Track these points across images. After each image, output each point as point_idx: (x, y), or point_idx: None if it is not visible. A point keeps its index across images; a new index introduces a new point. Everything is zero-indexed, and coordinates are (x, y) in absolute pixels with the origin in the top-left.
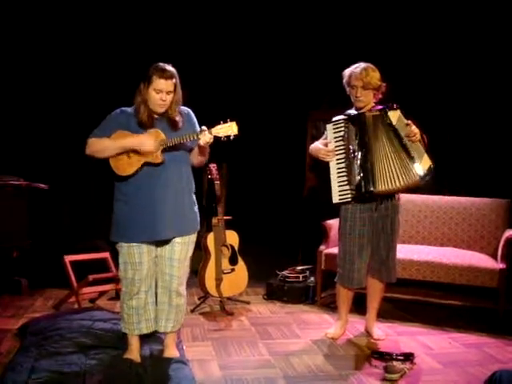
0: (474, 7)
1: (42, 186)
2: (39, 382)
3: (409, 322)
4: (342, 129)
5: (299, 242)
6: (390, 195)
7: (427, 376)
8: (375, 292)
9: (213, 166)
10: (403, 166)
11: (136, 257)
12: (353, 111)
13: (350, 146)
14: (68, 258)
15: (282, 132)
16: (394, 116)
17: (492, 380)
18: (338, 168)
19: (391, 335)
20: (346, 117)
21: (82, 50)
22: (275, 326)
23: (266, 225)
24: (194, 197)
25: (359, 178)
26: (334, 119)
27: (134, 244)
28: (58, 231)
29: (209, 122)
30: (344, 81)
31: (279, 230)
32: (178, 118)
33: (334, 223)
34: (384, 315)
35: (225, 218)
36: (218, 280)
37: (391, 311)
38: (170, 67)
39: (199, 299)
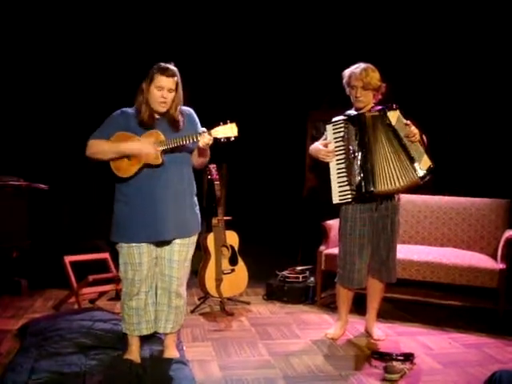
0: (474, 7)
1: (42, 186)
2: (39, 383)
3: (409, 322)
4: (342, 129)
5: (299, 243)
6: (390, 195)
7: (427, 376)
8: (375, 292)
9: (212, 167)
10: (403, 167)
11: (136, 257)
12: (352, 111)
13: (350, 147)
14: (68, 259)
15: (281, 132)
16: (394, 116)
17: (492, 380)
18: (338, 168)
19: (391, 335)
20: (345, 117)
21: (82, 51)
22: (275, 327)
23: (266, 225)
24: (196, 198)
25: (359, 178)
26: (334, 120)
27: (134, 244)
28: (58, 231)
29: (209, 122)
30: (344, 81)
31: (279, 231)
32: (179, 119)
33: (333, 223)
34: (384, 315)
35: (225, 218)
36: (218, 280)
37: (391, 311)
38: (171, 66)
39: (199, 300)
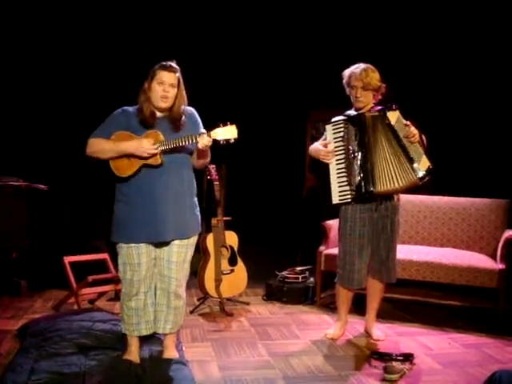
0: (474, 7)
1: (42, 186)
2: (39, 383)
3: (408, 322)
4: (342, 129)
5: (299, 243)
6: (390, 196)
7: (427, 376)
8: (375, 292)
9: (212, 167)
10: (402, 167)
11: (135, 258)
12: (352, 112)
13: (350, 147)
14: (67, 259)
15: (281, 132)
16: (393, 117)
17: (491, 380)
18: (338, 169)
19: (391, 336)
20: (345, 117)
21: (81, 51)
22: (275, 327)
23: (266, 225)
24: (196, 199)
25: (359, 178)
26: (334, 120)
27: (133, 245)
28: (58, 232)
29: (208, 122)
30: (344, 81)
31: (279, 231)
32: (181, 118)
33: (333, 224)
34: (383, 316)
35: (224, 218)
36: (218, 281)
37: (391, 312)
38: (173, 63)
39: (198, 300)
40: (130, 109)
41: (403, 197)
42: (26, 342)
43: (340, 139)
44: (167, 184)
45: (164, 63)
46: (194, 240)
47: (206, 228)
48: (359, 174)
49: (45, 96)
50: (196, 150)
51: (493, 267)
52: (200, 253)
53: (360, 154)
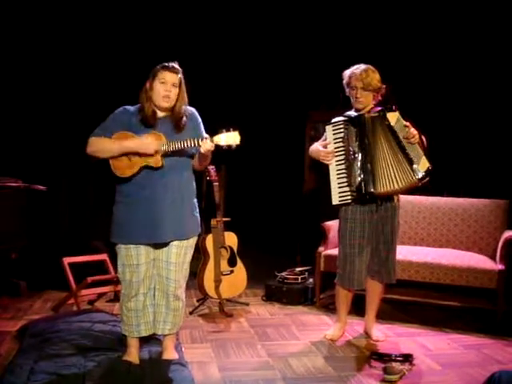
0: (474, 7)
1: (41, 187)
2: None
3: (408, 323)
4: (342, 130)
5: (298, 244)
6: (390, 197)
7: (426, 377)
8: (374, 293)
9: (211, 168)
10: (401, 168)
11: (133, 259)
12: (352, 112)
13: (350, 148)
14: (66, 260)
15: (280, 133)
16: (393, 117)
17: (491, 381)
18: (338, 169)
19: (390, 336)
20: (345, 118)
21: (81, 51)
22: (274, 328)
23: (265, 226)
24: (196, 201)
25: (359, 179)
26: (334, 120)
27: (132, 246)
28: (57, 233)
29: (208, 122)
30: (344, 82)
31: (278, 232)
32: (183, 119)
33: (332, 224)
34: (383, 316)
35: (224, 219)
36: (217, 282)
37: (390, 312)
38: (175, 64)
39: (198, 301)
40: (131, 108)
41: (403, 197)
42: (26, 343)
43: (340, 140)
44: (167, 186)
45: (166, 64)
46: (193, 241)
47: (206, 229)
48: (359, 174)
49: (44, 97)
50: (198, 154)
51: (492, 268)
52: (199, 253)
53: (360, 154)
